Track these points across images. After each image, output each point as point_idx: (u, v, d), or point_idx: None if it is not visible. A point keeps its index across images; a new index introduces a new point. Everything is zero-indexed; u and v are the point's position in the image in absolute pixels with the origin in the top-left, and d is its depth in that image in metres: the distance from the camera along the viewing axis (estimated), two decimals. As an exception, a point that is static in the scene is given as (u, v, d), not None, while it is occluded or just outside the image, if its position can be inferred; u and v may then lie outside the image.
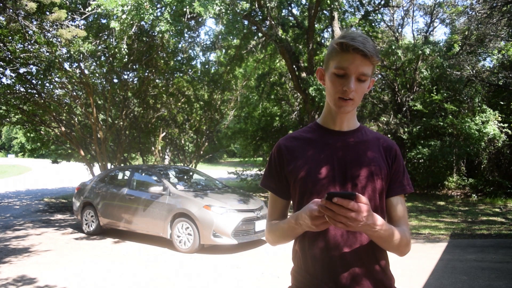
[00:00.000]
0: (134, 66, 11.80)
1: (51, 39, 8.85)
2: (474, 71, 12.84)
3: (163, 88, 13.38)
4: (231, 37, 10.59)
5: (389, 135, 12.75)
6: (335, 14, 11.29)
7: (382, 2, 11.88)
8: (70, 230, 8.25)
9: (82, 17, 9.04)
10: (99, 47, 9.63)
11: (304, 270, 1.28)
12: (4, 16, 7.90)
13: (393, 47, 10.16)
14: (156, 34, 9.68)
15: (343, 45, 1.19)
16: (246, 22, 10.89)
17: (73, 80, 10.94)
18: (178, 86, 13.71)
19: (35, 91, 10.64)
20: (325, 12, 12.21)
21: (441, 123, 11.80)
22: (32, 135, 13.43)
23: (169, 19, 7.86)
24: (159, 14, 8.13)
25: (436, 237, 7.21)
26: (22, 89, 10.68)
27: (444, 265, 5.33)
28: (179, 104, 14.24)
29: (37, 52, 9.13)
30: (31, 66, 9.90)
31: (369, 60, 1.20)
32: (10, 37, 9.07)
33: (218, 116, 14.83)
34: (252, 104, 16.16)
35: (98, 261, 5.81)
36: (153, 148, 14.62)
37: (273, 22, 10.11)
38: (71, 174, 21.96)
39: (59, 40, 8.50)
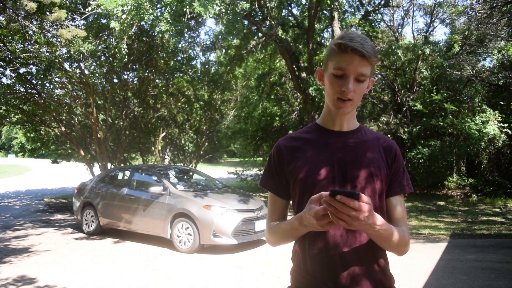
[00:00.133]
0: (134, 66, 11.81)
1: (51, 39, 8.86)
2: (474, 71, 12.84)
3: (163, 88, 13.38)
4: (231, 37, 10.59)
5: (389, 135, 12.74)
6: (335, 14, 11.29)
7: (382, 2, 11.88)
8: (70, 230, 8.25)
9: (82, 17, 9.04)
10: (99, 47, 9.63)
11: (304, 270, 1.28)
12: (4, 16, 7.90)
13: (393, 47, 10.16)
14: (156, 34, 9.68)
15: (342, 46, 1.19)
16: (246, 22, 10.89)
17: (73, 80, 10.94)
18: (178, 86, 13.71)
19: (35, 91, 10.64)
20: (325, 12, 12.21)
21: (441, 123, 11.80)
22: (32, 135, 13.44)
23: (169, 19, 7.86)
24: (159, 14, 8.13)
25: (436, 237, 7.21)
26: (22, 89, 10.68)
27: (444, 265, 5.33)
28: (179, 104, 14.24)
29: (37, 52, 9.13)
30: (31, 66, 9.90)
31: (367, 60, 1.20)
32: (10, 37, 9.08)
33: (218, 116, 14.83)
34: (252, 104, 16.16)
35: (98, 261, 5.81)
36: (153, 148, 14.62)
37: (273, 22, 10.11)
38: (71, 174, 21.96)
39: (59, 40, 8.50)
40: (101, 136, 11.37)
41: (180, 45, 11.89)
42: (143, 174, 7.90)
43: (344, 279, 1.21)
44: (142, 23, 8.96)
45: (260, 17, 11.15)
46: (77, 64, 10.52)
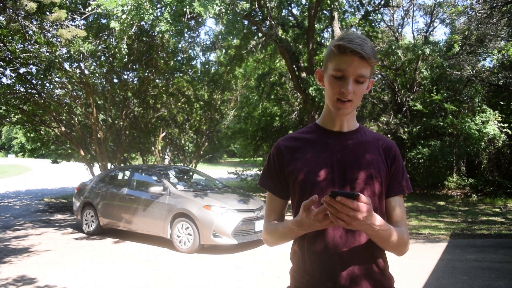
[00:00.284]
0: (134, 66, 11.81)
1: (51, 39, 8.86)
2: (474, 71, 12.84)
3: (163, 88, 13.38)
4: (231, 37, 10.59)
5: (389, 135, 12.75)
6: (335, 14, 11.29)
7: (382, 2, 11.88)
8: (70, 230, 8.25)
9: (82, 17, 9.04)
10: (99, 47, 9.63)
11: (303, 270, 1.28)
12: (4, 16, 7.90)
13: (393, 47, 10.15)
14: (156, 34, 9.68)
15: (341, 47, 1.20)
16: (246, 22, 10.89)
17: (73, 80, 10.94)
18: (178, 86, 13.72)
19: (35, 91, 10.64)
20: (325, 12, 12.21)
21: (441, 123, 11.80)
22: (32, 135, 13.44)
23: (169, 19, 7.86)
24: (159, 14, 8.13)
25: (436, 237, 7.21)
26: (22, 89, 10.69)
27: (444, 265, 5.33)
28: (179, 104, 14.24)
29: (37, 52, 9.13)
30: (31, 66, 9.90)
31: (367, 62, 1.20)
32: (10, 37, 9.08)
33: (218, 116, 14.83)
34: (252, 104, 16.15)
35: (98, 261, 5.82)
36: (153, 148, 14.62)
37: (273, 22, 10.10)
38: (71, 174, 21.96)
39: (59, 40, 8.50)
40: (101, 136, 11.37)
41: (180, 45, 11.90)
42: (143, 174, 7.90)
43: (343, 279, 1.22)
44: (142, 23, 8.96)
45: (260, 17, 11.15)
46: (77, 64, 10.52)
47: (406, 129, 12.47)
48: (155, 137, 14.31)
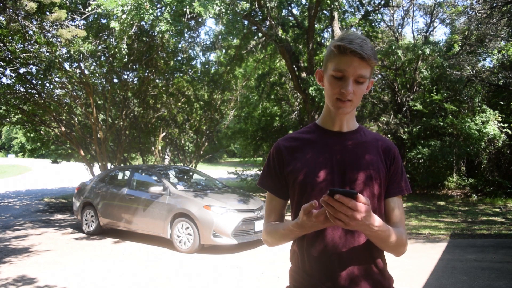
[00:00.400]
0: (134, 66, 11.81)
1: (51, 39, 8.86)
2: (474, 71, 12.83)
3: (163, 88, 13.38)
4: (231, 37, 10.59)
5: (389, 135, 12.75)
6: (335, 14, 11.29)
7: (382, 2, 11.88)
8: (70, 230, 8.25)
9: (82, 17, 9.04)
10: (99, 47, 9.63)
11: (302, 270, 1.29)
12: (4, 16, 7.91)
13: (393, 47, 10.16)
14: (156, 34, 9.68)
15: (341, 48, 1.20)
16: (246, 22, 10.89)
17: (73, 80, 10.95)
18: (178, 86, 13.72)
19: (35, 91, 10.64)
20: (325, 12, 12.21)
21: (441, 123, 11.80)
22: (32, 135, 13.44)
23: (169, 19, 7.86)
24: (159, 14, 8.13)
25: (436, 237, 7.21)
26: (22, 89, 10.69)
27: (444, 265, 5.33)
28: (179, 104, 14.24)
29: (37, 52, 9.13)
30: (31, 66, 9.90)
31: (366, 62, 1.21)
32: (10, 37, 9.08)
33: (218, 116, 14.83)
34: (252, 104, 16.15)
35: (98, 261, 5.82)
36: (153, 148, 14.62)
37: (273, 22, 10.10)
38: (71, 174, 21.96)
39: (59, 40, 8.50)
40: (101, 136, 11.37)
41: (180, 45, 11.90)
42: (143, 174, 7.90)
43: (342, 279, 1.22)
44: (142, 23, 8.96)
45: (260, 17, 11.15)
46: (77, 64, 10.52)
47: (406, 129, 12.47)
48: (155, 137, 14.31)
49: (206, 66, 13.21)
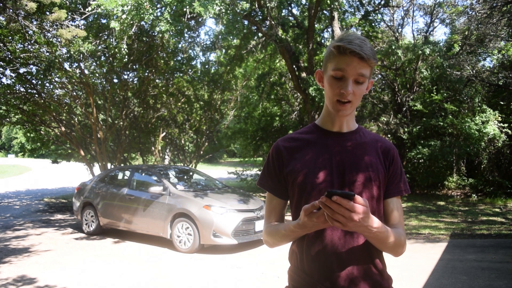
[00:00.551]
0: (134, 66, 11.81)
1: (51, 39, 8.86)
2: (474, 71, 12.83)
3: (163, 88, 13.38)
4: (231, 37, 10.59)
5: (389, 135, 12.75)
6: (335, 14, 11.29)
7: (382, 2, 11.88)
8: (70, 230, 8.26)
9: (82, 17, 9.04)
10: (99, 47, 9.63)
11: (301, 270, 1.29)
12: (4, 16, 7.90)
13: (393, 47, 10.16)
14: (156, 34, 9.68)
15: (340, 48, 1.20)
16: (246, 22, 10.89)
17: (73, 80, 10.95)
18: (178, 86, 13.72)
19: (35, 91, 10.64)
20: (325, 12, 12.20)
21: (441, 123, 11.80)
22: (32, 135, 13.44)
23: (169, 19, 7.86)
24: (159, 14, 8.13)
25: (436, 237, 7.21)
26: (22, 89, 10.69)
27: (444, 265, 5.33)
28: (179, 104, 14.24)
29: (37, 52, 9.13)
30: (31, 66, 9.90)
31: (366, 62, 1.21)
32: (10, 37, 9.08)
33: (218, 116, 14.84)
34: (252, 104, 16.15)
35: (98, 261, 5.82)
36: (153, 148, 14.62)
37: (273, 22, 10.10)
38: (71, 174, 21.96)
39: (59, 40, 8.50)
40: (101, 136, 11.37)
41: (180, 45, 11.90)
42: (143, 174, 7.90)
43: (341, 279, 1.22)
44: (142, 23, 8.96)
45: (260, 17, 11.15)
46: (77, 64, 10.52)
47: (406, 129, 12.47)
48: (155, 137, 14.31)
49: (206, 66, 13.21)
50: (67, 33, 7.83)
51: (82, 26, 9.69)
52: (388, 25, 14.63)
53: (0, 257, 5.91)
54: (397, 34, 14.29)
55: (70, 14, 8.87)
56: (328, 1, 9.66)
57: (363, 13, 11.98)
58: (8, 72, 9.80)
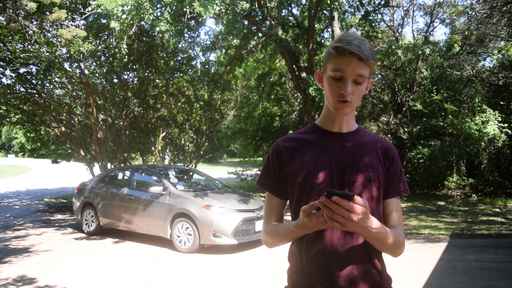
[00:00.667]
0: (134, 66, 11.81)
1: (51, 39, 8.86)
2: (474, 71, 12.83)
3: (163, 88, 13.38)
4: (231, 37, 10.59)
5: (389, 135, 12.75)
6: (335, 14, 11.29)
7: (382, 2, 11.88)
8: (70, 230, 8.26)
9: (82, 17, 9.04)
10: (99, 47, 9.63)
11: (300, 270, 1.29)
12: (4, 16, 7.90)
13: (393, 47, 10.16)
14: (156, 34, 9.68)
15: (339, 49, 1.21)
16: (246, 22, 10.89)
17: (73, 80, 10.95)
18: (178, 86, 13.72)
19: (35, 91, 10.64)
20: (325, 12, 12.20)
21: (441, 123, 11.80)
22: (32, 135, 13.44)
23: (169, 19, 7.86)
24: (159, 14, 8.13)
25: (436, 237, 7.21)
26: (22, 89, 10.69)
27: (444, 265, 5.33)
28: (179, 104, 14.24)
29: (37, 52, 9.13)
30: (31, 66, 9.90)
31: (365, 63, 1.21)
32: (10, 37, 9.08)
33: (218, 116, 14.83)
34: (252, 104, 16.15)
35: (98, 261, 5.82)
36: (153, 148, 14.62)
37: (273, 22, 10.10)
38: (71, 174, 21.96)
39: (59, 40, 8.50)
40: (101, 136, 11.37)
41: (180, 45, 11.90)
42: (143, 174, 7.90)
43: (340, 279, 1.22)
44: (142, 23, 8.96)
45: (260, 17, 11.15)
46: (77, 64, 10.52)
47: (406, 129, 12.47)
48: (155, 137, 14.31)
49: (206, 66, 13.21)
50: (67, 33, 7.83)
51: (82, 26, 9.69)
52: (388, 25, 14.63)
53: (0, 257, 5.91)
54: (397, 34, 14.29)
55: (70, 14, 8.87)
56: (328, 1, 9.66)
57: (363, 13, 11.98)
58: (8, 72, 9.81)
